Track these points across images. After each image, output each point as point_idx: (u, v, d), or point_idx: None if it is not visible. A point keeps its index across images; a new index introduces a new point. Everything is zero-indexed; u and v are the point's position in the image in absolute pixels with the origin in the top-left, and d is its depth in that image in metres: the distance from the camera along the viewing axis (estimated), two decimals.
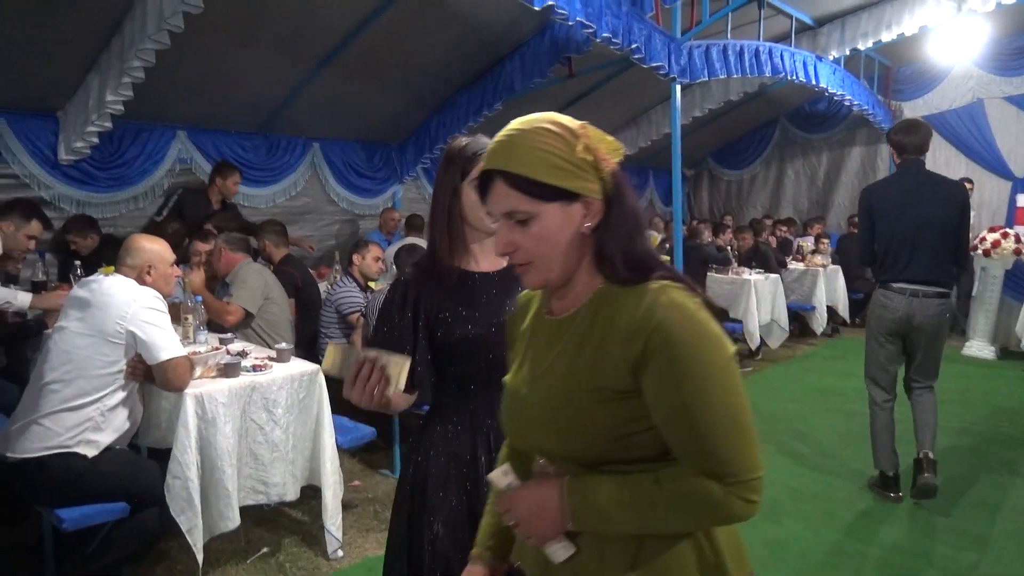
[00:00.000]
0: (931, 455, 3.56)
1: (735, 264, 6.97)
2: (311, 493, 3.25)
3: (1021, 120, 8.29)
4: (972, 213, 4.46)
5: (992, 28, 7.61)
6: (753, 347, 6.78)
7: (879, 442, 3.75)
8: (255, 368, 3.01)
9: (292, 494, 3.04)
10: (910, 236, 3.52)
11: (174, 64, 4.54)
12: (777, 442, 4.61)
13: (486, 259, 1.68)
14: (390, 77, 6.05)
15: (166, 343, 2.65)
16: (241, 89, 5.49)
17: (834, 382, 6.09)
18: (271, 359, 3.18)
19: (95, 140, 4.74)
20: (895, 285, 3.58)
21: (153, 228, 5.23)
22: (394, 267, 4.49)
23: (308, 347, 4.50)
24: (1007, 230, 6.96)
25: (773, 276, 7.07)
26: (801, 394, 5.85)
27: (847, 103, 8.05)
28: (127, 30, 4.14)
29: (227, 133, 5.94)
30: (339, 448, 3.26)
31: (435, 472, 1.61)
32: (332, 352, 1.40)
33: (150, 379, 2.70)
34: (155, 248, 2.84)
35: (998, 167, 8.50)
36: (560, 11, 4.22)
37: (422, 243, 6.05)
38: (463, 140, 1.66)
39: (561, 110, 1.13)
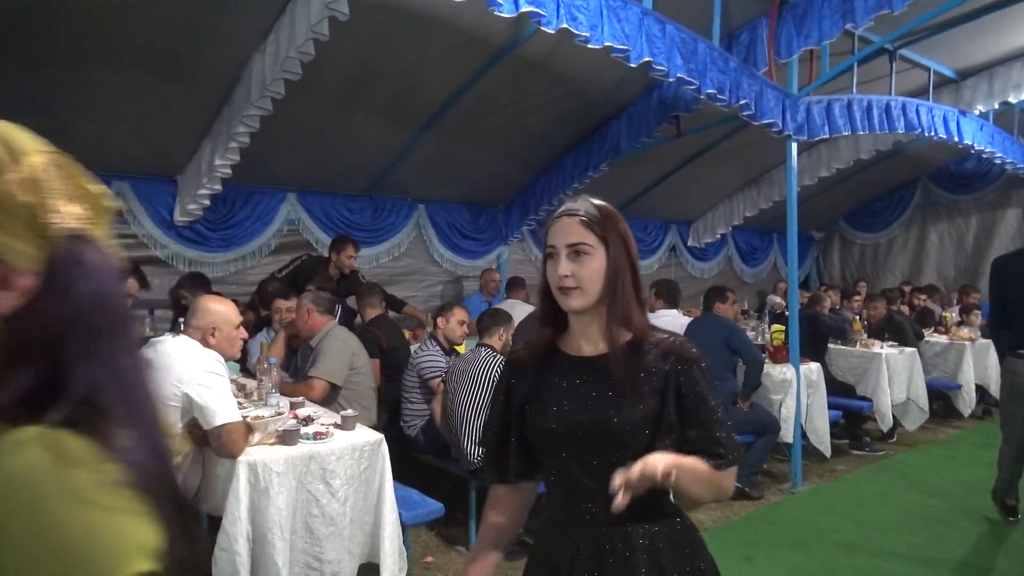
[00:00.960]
0: None
1: (863, 336, 6.31)
2: (371, 571, 3.06)
3: None
4: None
5: None
6: (885, 429, 6.05)
7: (1004, 471, 4.00)
8: (316, 436, 2.90)
9: (348, 573, 2.86)
10: None
11: (282, 130, 4.71)
12: (909, 545, 3.99)
13: (588, 342, 1.42)
14: (494, 139, 6.04)
15: (221, 408, 2.58)
16: (348, 153, 5.63)
17: (983, 475, 5.26)
18: (336, 426, 3.06)
19: (207, 202, 4.98)
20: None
21: (260, 285, 5.38)
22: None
23: (393, 412, 4.39)
24: None
25: (909, 350, 6.34)
26: (942, 487, 5.11)
27: (998, 161, 7.30)
28: (235, 98, 4.34)
29: (335, 195, 6.10)
30: (404, 524, 3.08)
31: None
32: None
33: (205, 443, 2.64)
34: (220, 310, 2.83)
35: None
36: (659, 68, 4.03)
37: (523, 305, 5.89)
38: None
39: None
